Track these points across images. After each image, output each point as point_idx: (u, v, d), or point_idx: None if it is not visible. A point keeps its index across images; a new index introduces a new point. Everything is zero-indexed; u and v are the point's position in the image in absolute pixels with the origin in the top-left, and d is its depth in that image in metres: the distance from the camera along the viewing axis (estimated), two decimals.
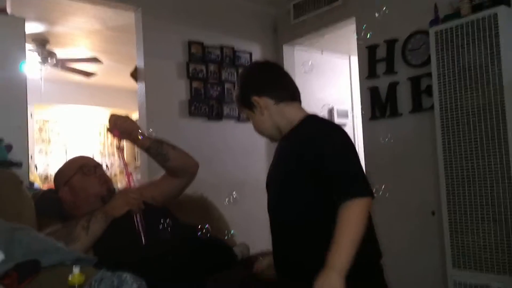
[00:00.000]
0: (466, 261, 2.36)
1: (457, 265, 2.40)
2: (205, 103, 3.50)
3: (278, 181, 1.34)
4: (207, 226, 1.47)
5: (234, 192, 1.70)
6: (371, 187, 1.20)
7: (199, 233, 1.51)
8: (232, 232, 1.87)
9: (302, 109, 1.38)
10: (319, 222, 1.24)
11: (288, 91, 1.38)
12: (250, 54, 3.79)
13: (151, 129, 2.86)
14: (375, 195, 1.20)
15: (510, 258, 2.19)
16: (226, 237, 1.82)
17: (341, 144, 1.24)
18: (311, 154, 1.22)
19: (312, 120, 1.33)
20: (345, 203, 1.14)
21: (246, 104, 1.39)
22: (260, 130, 1.43)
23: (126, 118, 1.61)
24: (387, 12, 2.47)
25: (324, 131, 1.27)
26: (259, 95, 1.35)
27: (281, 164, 1.36)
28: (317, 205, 1.24)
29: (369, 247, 1.23)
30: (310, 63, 3.15)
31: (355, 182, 1.18)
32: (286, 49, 3.94)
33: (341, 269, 1.10)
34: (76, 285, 1.03)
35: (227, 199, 1.66)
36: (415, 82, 2.88)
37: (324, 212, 1.22)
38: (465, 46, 2.38)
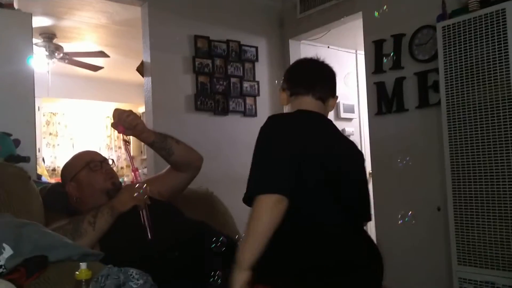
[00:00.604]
0: (472, 257, 2.36)
1: (462, 261, 2.40)
2: (211, 98, 3.50)
3: None
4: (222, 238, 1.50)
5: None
6: (277, 183, 1.18)
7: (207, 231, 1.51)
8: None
9: (304, 105, 1.40)
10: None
11: (300, 85, 1.42)
12: (256, 49, 3.78)
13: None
14: (280, 192, 1.16)
15: None
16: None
17: (258, 142, 1.28)
18: None
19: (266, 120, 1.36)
20: (255, 199, 1.18)
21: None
22: None
23: (130, 113, 1.62)
24: (386, 11, 2.47)
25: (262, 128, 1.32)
26: (282, 89, 1.46)
27: None
28: None
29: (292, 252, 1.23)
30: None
31: (255, 180, 1.21)
32: (292, 43, 3.92)
33: (241, 263, 1.15)
34: (83, 280, 1.05)
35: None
36: (421, 77, 2.86)
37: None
38: (473, 41, 2.36)
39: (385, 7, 2.43)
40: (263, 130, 1.30)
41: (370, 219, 1.43)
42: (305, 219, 1.25)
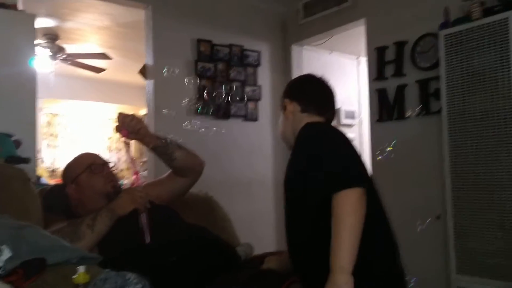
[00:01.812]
0: (471, 266, 2.36)
1: (461, 270, 2.39)
2: (212, 102, 3.51)
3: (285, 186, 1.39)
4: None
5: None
6: (358, 176, 1.18)
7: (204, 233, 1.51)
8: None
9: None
10: (316, 222, 1.24)
11: (317, 105, 1.43)
12: (259, 53, 3.79)
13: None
14: (362, 185, 1.15)
15: None
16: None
17: (314, 144, 1.26)
18: (298, 155, 1.30)
19: (306, 126, 1.36)
20: (334, 197, 1.12)
21: (281, 104, 1.48)
22: (280, 132, 1.49)
23: (133, 117, 1.62)
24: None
25: (306, 133, 1.32)
26: (291, 100, 1.44)
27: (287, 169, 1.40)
28: (311, 206, 1.25)
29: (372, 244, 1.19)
30: None
31: (339, 175, 1.16)
32: (294, 48, 3.93)
33: (343, 268, 1.06)
34: (81, 284, 1.04)
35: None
36: (423, 85, 2.86)
37: (319, 213, 1.21)
38: (475, 50, 2.36)
39: None
40: (319, 132, 1.30)
41: None
42: (377, 215, 1.25)
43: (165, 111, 2.50)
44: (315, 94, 1.46)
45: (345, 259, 1.06)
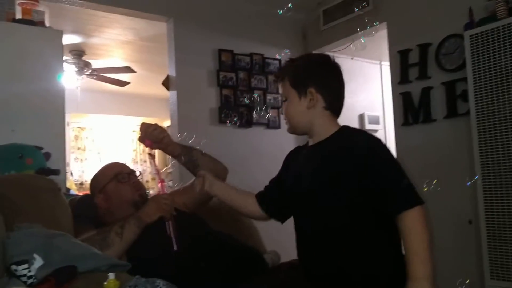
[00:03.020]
0: (506, 272, 2.27)
1: (495, 276, 2.31)
2: (235, 110, 3.53)
3: (316, 190, 1.31)
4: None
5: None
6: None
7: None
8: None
9: (337, 124, 1.36)
10: (367, 230, 1.24)
11: (339, 104, 1.36)
12: (280, 61, 3.80)
13: (178, 135, 2.89)
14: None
15: None
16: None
17: (389, 155, 1.25)
18: (360, 164, 1.21)
19: (352, 130, 1.33)
20: (406, 213, 1.16)
21: (296, 86, 1.32)
22: (291, 118, 1.35)
23: (156, 126, 1.64)
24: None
25: (370, 142, 1.26)
26: (317, 91, 1.30)
27: (319, 171, 1.31)
28: (365, 214, 1.24)
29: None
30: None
31: (410, 192, 1.20)
32: None
33: (430, 277, 1.14)
34: None
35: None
36: (449, 87, 2.81)
37: (372, 221, 1.23)
38: (502, 49, 2.31)
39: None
40: (381, 142, 1.28)
41: None
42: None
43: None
44: (339, 90, 1.36)
45: (429, 269, 1.15)
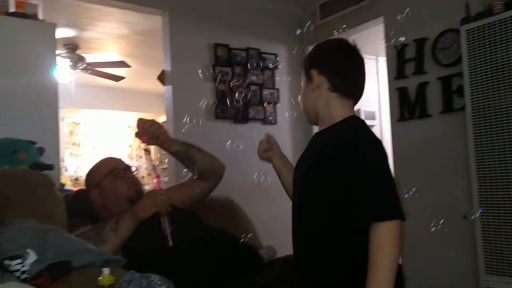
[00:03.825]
0: (500, 266, 2.29)
1: (490, 270, 2.32)
2: (231, 106, 3.51)
3: (303, 178, 1.27)
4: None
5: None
6: (402, 208, 1.09)
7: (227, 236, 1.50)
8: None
9: (350, 109, 1.25)
10: (340, 232, 1.16)
11: (348, 84, 1.25)
12: (276, 56, 3.78)
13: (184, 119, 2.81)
14: (405, 216, 1.08)
15: None
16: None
17: (375, 160, 1.12)
18: (341, 163, 1.12)
19: (353, 124, 1.22)
20: (376, 226, 1.05)
21: (306, 72, 1.30)
22: (302, 104, 1.32)
23: (153, 122, 1.63)
24: (409, 14, 2.42)
25: (361, 142, 1.16)
26: (319, 72, 1.24)
27: (309, 161, 1.28)
28: (340, 216, 1.15)
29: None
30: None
31: (386, 203, 1.08)
32: None
33: None
34: (106, 286, 1.04)
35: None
36: (445, 82, 2.80)
37: (346, 224, 1.13)
38: (498, 44, 2.30)
39: (408, 9, 2.38)
40: (378, 142, 1.16)
41: None
42: None
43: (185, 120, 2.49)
44: (348, 70, 1.25)
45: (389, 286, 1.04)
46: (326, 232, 1.17)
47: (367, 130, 1.21)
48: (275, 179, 1.47)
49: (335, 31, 3.29)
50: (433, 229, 1.44)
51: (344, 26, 2.91)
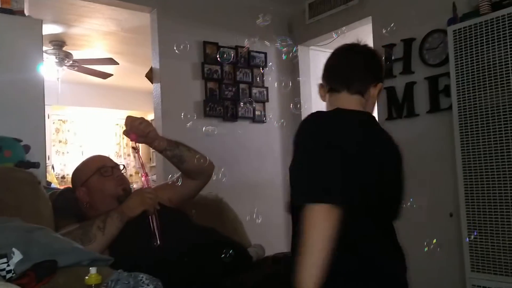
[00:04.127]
0: (486, 264, 2.32)
1: (476, 268, 2.36)
2: (220, 104, 3.50)
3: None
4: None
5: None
6: (333, 191, 1.01)
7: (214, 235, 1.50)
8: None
9: (340, 102, 1.22)
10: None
11: (342, 78, 1.23)
12: (265, 55, 3.78)
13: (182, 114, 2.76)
14: (340, 200, 1.00)
15: None
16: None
17: (304, 144, 1.10)
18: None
19: (318, 114, 1.17)
20: (302, 209, 1.00)
21: None
22: None
23: (142, 120, 1.62)
24: (394, 28, 2.45)
25: (300, 128, 1.13)
26: (321, 85, 1.28)
27: None
28: None
29: (344, 258, 1.04)
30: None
31: (309, 186, 1.02)
32: (301, 49, 3.92)
33: (300, 286, 0.97)
34: (93, 285, 1.03)
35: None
36: (432, 82, 2.83)
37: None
38: (484, 44, 2.33)
39: (392, 24, 2.41)
40: (306, 128, 1.13)
41: None
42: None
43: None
44: (331, 68, 1.26)
45: (302, 278, 0.97)
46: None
47: (325, 118, 1.15)
48: (264, 179, 1.47)
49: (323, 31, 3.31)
50: (426, 249, 1.42)
51: (336, 35, 2.93)
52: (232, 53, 2.91)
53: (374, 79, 1.25)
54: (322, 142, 1.07)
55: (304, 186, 1.04)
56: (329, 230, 0.98)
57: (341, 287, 1.06)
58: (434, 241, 1.43)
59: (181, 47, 2.03)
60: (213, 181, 1.88)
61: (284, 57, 1.70)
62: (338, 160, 1.03)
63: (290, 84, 2.86)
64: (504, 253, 2.24)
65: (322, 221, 0.98)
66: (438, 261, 2.78)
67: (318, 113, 1.16)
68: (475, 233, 2.33)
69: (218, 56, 2.38)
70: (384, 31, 2.46)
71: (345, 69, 1.26)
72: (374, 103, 1.28)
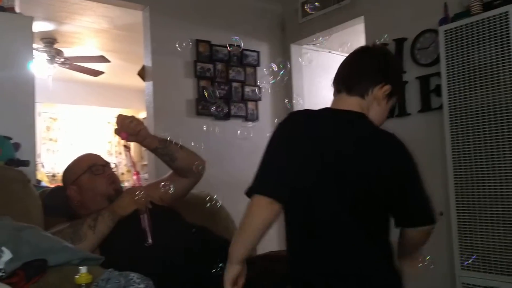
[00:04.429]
0: (475, 262, 2.34)
1: (465, 266, 2.38)
2: (212, 102, 3.49)
3: None
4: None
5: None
6: (270, 186, 1.17)
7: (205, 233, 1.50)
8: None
9: (332, 103, 1.27)
10: None
11: (339, 81, 1.26)
12: (258, 53, 3.78)
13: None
14: (272, 195, 1.15)
15: None
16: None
17: (269, 139, 1.23)
18: None
19: None
20: None
21: None
22: None
23: (133, 118, 1.61)
24: (387, 39, 2.47)
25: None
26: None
27: None
28: None
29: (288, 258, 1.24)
30: (308, 55, 3.05)
31: (255, 178, 1.19)
32: (294, 48, 3.92)
33: (231, 257, 1.18)
34: (83, 285, 1.03)
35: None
36: (424, 81, 2.85)
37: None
38: (475, 45, 2.35)
39: (386, 35, 2.42)
40: (277, 124, 1.24)
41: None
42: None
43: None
44: (337, 71, 1.29)
45: (233, 250, 1.18)
46: None
47: (286, 117, 1.25)
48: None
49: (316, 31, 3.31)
50: (420, 265, 1.42)
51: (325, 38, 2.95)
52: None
53: (378, 79, 1.22)
54: (270, 139, 1.22)
55: (255, 179, 1.20)
56: (261, 217, 1.15)
57: None
58: (428, 257, 1.41)
59: (183, 44, 2.04)
60: (204, 179, 1.88)
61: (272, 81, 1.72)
62: (276, 156, 1.20)
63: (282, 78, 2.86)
64: (494, 251, 2.27)
65: (256, 208, 1.15)
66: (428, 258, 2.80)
67: (291, 112, 1.28)
68: (473, 257, 2.33)
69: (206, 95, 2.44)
70: (377, 41, 2.47)
71: (346, 70, 1.28)
72: (381, 105, 1.24)
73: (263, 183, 1.18)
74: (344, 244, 1.15)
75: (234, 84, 3.63)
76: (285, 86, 3.88)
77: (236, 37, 2.85)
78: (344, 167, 1.14)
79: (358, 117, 1.21)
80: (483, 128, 2.32)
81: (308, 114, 1.26)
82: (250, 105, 3.71)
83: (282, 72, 1.66)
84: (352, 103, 1.23)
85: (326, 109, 1.26)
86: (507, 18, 2.22)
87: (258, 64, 3.77)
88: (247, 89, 3.70)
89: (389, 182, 1.16)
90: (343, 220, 1.15)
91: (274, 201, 1.14)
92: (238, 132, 1.90)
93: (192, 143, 1.77)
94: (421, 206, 1.21)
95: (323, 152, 1.16)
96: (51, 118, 6.67)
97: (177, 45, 1.91)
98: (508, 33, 2.22)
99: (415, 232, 1.23)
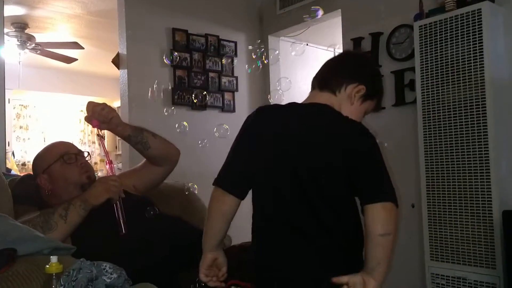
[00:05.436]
0: (444, 253, 2.41)
1: (435, 257, 2.44)
2: (188, 92, 3.46)
3: None
4: None
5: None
6: (225, 179, 1.23)
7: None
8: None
9: (308, 98, 1.29)
10: None
11: (314, 79, 1.30)
12: (235, 44, 3.76)
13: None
14: (226, 188, 1.22)
15: (487, 251, 2.23)
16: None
17: None
18: None
19: None
20: None
21: None
22: None
23: (104, 106, 1.57)
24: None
25: None
26: None
27: None
28: None
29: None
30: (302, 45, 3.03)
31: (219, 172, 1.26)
32: (271, 39, 3.91)
33: (202, 246, 1.25)
34: (54, 274, 1.01)
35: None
36: (398, 76, 2.89)
37: None
38: (449, 40, 2.39)
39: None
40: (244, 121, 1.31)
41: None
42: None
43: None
44: (317, 72, 1.34)
45: (203, 239, 1.25)
46: None
47: (255, 111, 1.30)
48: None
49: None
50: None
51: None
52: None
53: (352, 79, 1.24)
54: (238, 133, 1.27)
55: (219, 171, 1.26)
56: (219, 208, 1.22)
57: None
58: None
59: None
60: (180, 169, 1.86)
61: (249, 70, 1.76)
62: (238, 150, 1.24)
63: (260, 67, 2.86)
64: (462, 243, 2.33)
65: (213, 200, 1.23)
66: (399, 249, 2.86)
67: (259, 106, 1.32)
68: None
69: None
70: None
71: (323, 69, 1.31)
72: (353, 104, 1.25)
73: (222, 177, 1.24)
74: (295, 237, 1.17)
75: (211, 74, 3.60)
76: (262, 77, 3.88)
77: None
78: (304, 157, 1.16)
79: (321, 107, 1.23)
80: (454, 122, 2.38)
81: (274, 108, 1.29)
82: (227, 95, 3.69)
83: (258, 61, 1.67)
84: (321, 98, 1.25)
85: (293, 103, 1.29)
86: (480, 15, 2.27)
87: (235, 55, 3.75)
88: (224, 79, 3.68)
89: (347, 162, 1.15)
90: (300, 213, 1.16)
91: (229, 194, 1.20)
92: (215, 130, 1.90)
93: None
94: (377, 183, 1.20)
95: (285, 146, 1.18)
96: (21, 105, 6.48)
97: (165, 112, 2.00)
98: (481, 30, 2.27)
99: (374, 211, 1.17)
